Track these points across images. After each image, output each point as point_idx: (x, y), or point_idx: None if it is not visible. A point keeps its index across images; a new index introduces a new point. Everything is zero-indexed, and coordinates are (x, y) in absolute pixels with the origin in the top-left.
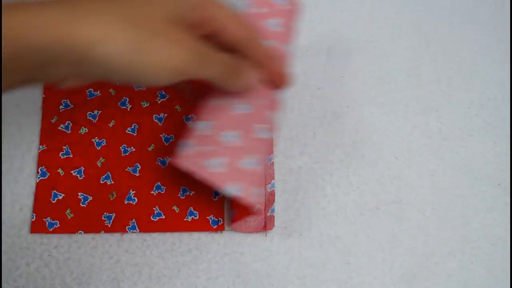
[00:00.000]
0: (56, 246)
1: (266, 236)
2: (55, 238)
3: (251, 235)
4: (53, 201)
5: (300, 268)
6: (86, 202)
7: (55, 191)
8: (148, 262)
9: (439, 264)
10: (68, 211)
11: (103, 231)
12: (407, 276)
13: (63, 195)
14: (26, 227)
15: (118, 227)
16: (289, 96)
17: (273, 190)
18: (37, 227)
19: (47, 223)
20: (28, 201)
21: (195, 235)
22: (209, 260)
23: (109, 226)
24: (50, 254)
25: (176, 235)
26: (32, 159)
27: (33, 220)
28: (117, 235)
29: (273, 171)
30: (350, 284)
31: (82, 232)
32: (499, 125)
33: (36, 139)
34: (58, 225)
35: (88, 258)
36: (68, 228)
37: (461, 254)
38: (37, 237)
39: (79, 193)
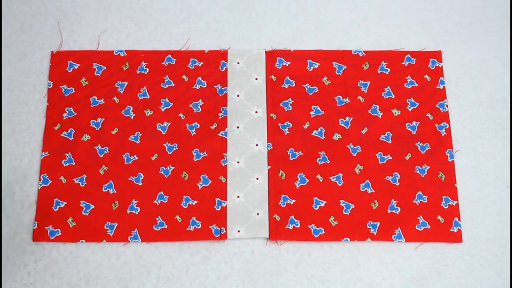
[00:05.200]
0: (64, 243)
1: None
2: None
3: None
4: (55, 210)
5: (309, 268)
6: (88, 211)
7: (57, 199)
8: (156, 262)
9: (448, 266)
10: (70, 219)
11: (105, 240)
12: (416, 278)
13: (65, 203)
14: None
15: (121, 237)
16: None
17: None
18: (39, 235)
19: (48, 231)
20: (33, 197)
21: None
22: (218, 260)
23: (111, 235)
24: (58, 252)
25: None
26: (35, 166)
27: (35, 228)
28: None
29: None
30: (360, 285)
31: (84, 241)
32: (508, 126)
33: (39, 147)
34: (60, 234)
35: (96, 258)
36: (70, 237)
37: (470, 257)
38: None
39: (81, 201)
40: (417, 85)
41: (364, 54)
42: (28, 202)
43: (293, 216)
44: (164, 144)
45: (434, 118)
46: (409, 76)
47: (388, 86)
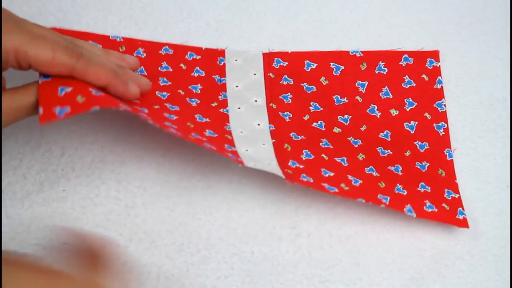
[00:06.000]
0: (64, 243)
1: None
2: (63, 235)
3: (259, 235)
4: (60, 95)
5: (309, 268)
6: (98, 92)
7: (62, 86)
8: (156, 262)
9: (448, 267)
10: (79, 97)
11: (122, 107)
12: (416, 278)
13: (71, 88)
14: (35, 224)
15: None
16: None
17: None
18: (46, 116)
19: (56, 111)
20: (38, 197)
21: (204, 235)
22: (218, 260)
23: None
24: (59, 251)
25: (185, 235)
26: (35, 166)
27: (40, 114)
28: (126, 236)
29: None
30: (359, 285)
31: (98, 108)
32: (508, 126)
33: (39, 146)
34: (69, 110)
35: None
36: (81, 108)
37: (470, 257)
38: (46, 233)
39: (90, 88)
40: (414, 84)
41: (362, 55)
42: (28, 202)
43: (304, 174)
44: (165, 104)
45: (432, 118)
46: (406, 76)
47: (386, 86)
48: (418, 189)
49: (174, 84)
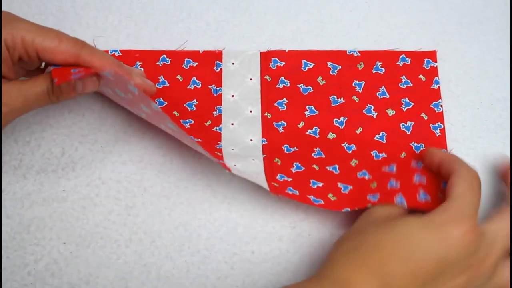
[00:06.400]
0: (64, 243)
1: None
2: (63, 235)
3: (259, 235)
4: (74, 72)
5: (310, 268)
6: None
7: (74, 69)
8: (157, 262)
9: None
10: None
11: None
12: None
13: (82, 69)
14: (35, 224)
15: None
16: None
17: None
18: (61, 79)
19: (71, 77)
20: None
21: (204, 235)
22: (218, 260)
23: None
24: (58, 252)
25: (185, 235)
26: (35, 166)
27: (55, 81)
28: (126, 236)
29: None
30: None
31: (112, 72)
32: (508, 126)
33: (39, 146)
34: (83, 73)
35: (96, 258)
36: (95, 70)
37: None
38: (46, 233)
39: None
40: (411, 85)
41: (359, 54)
42: (28, 202)
43: (291, 187)
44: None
45: (429, 118)
46: (403, 76)
47: (383, 86)
48: (413, 180)
49: (169, 105)
